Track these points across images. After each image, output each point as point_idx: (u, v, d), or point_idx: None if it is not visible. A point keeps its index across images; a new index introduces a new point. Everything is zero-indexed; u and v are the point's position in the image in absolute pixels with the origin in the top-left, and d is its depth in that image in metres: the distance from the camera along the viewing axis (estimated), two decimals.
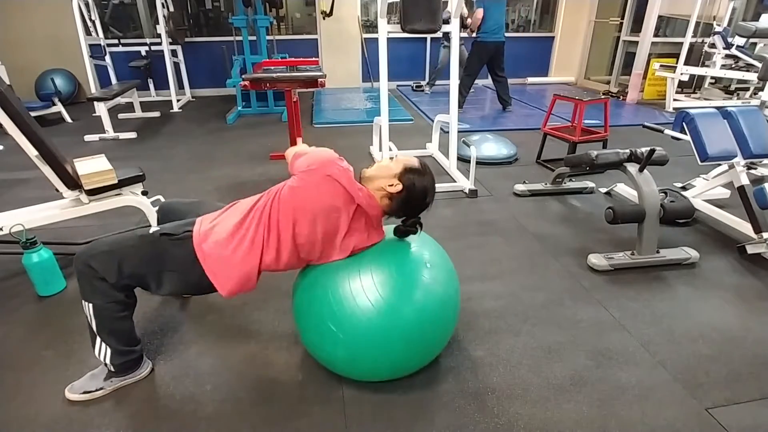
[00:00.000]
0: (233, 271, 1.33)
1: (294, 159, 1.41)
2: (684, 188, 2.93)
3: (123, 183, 2.19)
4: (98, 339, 1.39)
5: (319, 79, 3.18)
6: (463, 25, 5.23)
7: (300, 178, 1.33)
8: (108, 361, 1.41)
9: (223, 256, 1.32)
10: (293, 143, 3.26)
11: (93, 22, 5.33)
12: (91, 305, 1.34)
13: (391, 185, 1.36)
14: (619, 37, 6.76)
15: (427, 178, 1.41)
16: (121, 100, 5.44)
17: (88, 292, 1.33)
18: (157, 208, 1.81)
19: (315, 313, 1.37)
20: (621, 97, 6.28)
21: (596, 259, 2.15)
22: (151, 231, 1.38)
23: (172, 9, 5.75)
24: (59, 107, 5.18)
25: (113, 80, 5.71)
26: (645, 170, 2.22)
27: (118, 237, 1.39)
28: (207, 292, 1.40)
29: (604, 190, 3.10)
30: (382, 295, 1.30)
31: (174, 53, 5.96)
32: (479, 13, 4.98)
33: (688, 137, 2.47)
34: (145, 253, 1.34)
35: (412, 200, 1.40)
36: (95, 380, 1.46)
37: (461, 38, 3.53)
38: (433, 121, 3.93)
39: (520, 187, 3.06)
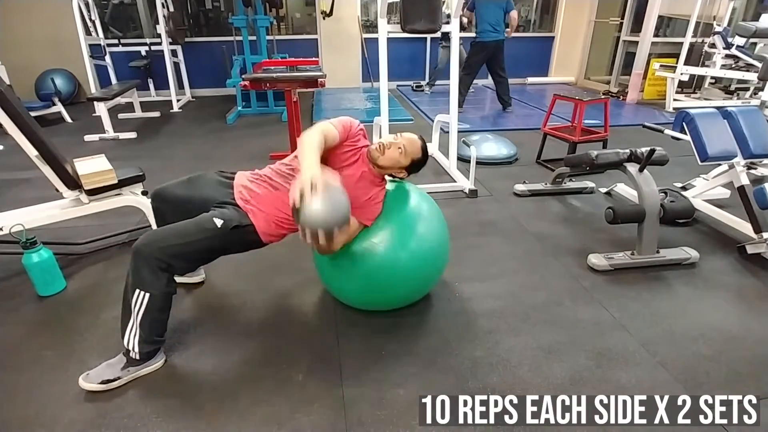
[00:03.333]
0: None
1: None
2: (684, 188, 2.93)
3: (123, 183, 2.19)
4: (134, 326, 1.43)
5: (319, 79, 3.18)
6: (463, 26, 5.29)
7: None
8: (136, 348, 1.45)
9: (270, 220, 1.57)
10: (293, 143, 3.26)
11: (93, 22, 5.32)
12: (147, 295, 1.40)
13: (399, 173, 1.68)
14: (619, 37, 6.76)
15: (424, 157, 1.71)
16: (121, 100, 5.43)
17: (149, 282, 1.39)
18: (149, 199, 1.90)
19: (335, 257, 1.64)
20: (621, 97, 6.28)
21: (596, 259, 2.15)
22: (219, 225, 1.48)
23: (172, 9, 5.74)
24: (59, 107, 5.18)
25: (113, 80, 5.71)
26: (645, 170, 2.22)
27: (179, 229, 1.47)
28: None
29: (604, 190, 3.10)
30: (388, 241, 1.61)
31: (174, 53, 5.96)
32: (470, 17, 5.20)
33: (688, 137, 2.47)
34: (216, 244, 1.50)
35: (409, 174, 1.73)
36: (112, 369, 1.47)
37: (460, 38, 3.53)
38: (433, 121, 3.93)
39: (520, 187, 3.06)
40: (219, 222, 1.48)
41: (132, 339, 1.45)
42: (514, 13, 5.11)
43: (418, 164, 1.70)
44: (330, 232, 1.31)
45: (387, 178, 1.73)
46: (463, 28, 5.21)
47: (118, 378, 1.46)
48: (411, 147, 1.65)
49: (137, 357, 1.47)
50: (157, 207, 1.73)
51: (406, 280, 1.69)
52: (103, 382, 1.44)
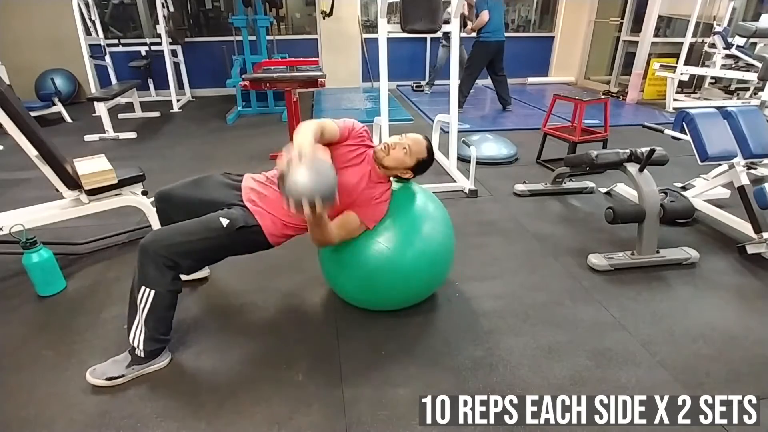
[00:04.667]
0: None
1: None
2: (684, 188, 2.93)
3: (123, 183, 2.18)
4: (140, 323, 1.44)
5: (319, 79, 3.18)
6: (464, 25, 5.27)
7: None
8: (141, 346, 1.46)
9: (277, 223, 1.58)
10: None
11: (93, 22, 5.32)
12: (153, 292, 1.41)
13: (405, 173, 1.67)
14: (619, 37, 6.76)
15: (430, 157, 1.70)
16: (121, 100, 5.43)
17: (154, 280, 1.40)
18: (152, 199, 1.91)
19: (339, 256, 1.67)
20: (621, 97, 6.28)
21: (596, 259, 2.15)
22: (225, 225, 1.48)
23: (172, 9, 5.75)
24: (59, 107, 5.18)
25: (113, 80, 5.71)
26: (645, 170, 2.22)
27: (186, 228, 1.48)
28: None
29: (604, 190, 3.10)
30: (391, 241, 1.61)
31: (174, 53, 5.96)
32: (485, 15, 4.99)
33: (688, 137, 2.47)
34: (221, 244, 1.50)
35: (416, 175, 1.72)
36: (117, 366, 1.49)
37: (461, 38, 3.54)
38: (433, 121, 3.93)
39: (520, 187, 3.06)
40: (225, 221, 1.49)
41: (137, 336, 1.46)
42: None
43: (424, 164, 1.69)
44: (313, 203, 1.26)
45: (393, 180, 1.73)
46: (472, 29, 5.16)
47: (123, 375, 1.48)
48: (416, 147, 1.65)
49: (142, 355, 1.48)
50: (162, 208, 1.72)
51: (410, 281, 1.69)
52: (107, 379, 1.46)
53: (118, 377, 1.47)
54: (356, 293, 1.78)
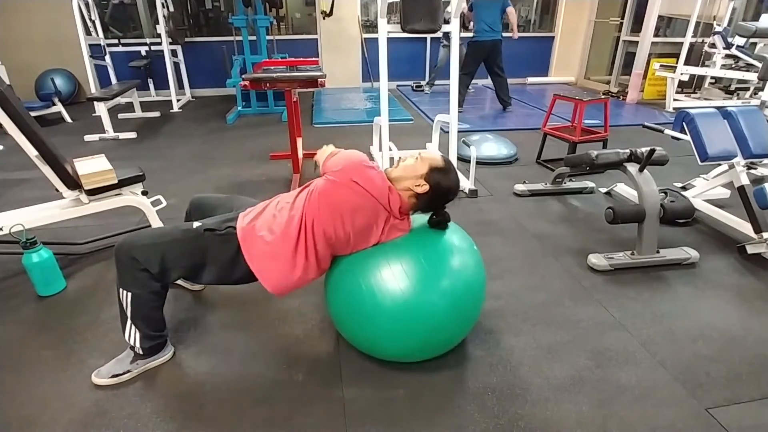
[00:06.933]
0: (276, 270, 1.41)
1: (326, 160, 1.50)
2: (684, 188, 2.93)
3: (123, 183, 2.18)
4: (130, 324, 1.45)
5: (319, 79, 3.17)
6: (464, 24, 5.32)
7: (327, 180, 1.40)
8: (138, 344, 1.48)
9: (266, 253, 1.39)
10: (293, 143, 3.26)
11: (93, 22, 5.32)
12: (129, 294, 1.40)
13: (418, 185, 1.42)
14: (619, 37, 6.76)
15: (451, 175, 1.47)
16: (121, 100, 5.43)
17: (128, 281, 1.39)
18: (164, 205, 1.97)
19: (346, 299, 1.46)
20: (621, 97, 6.28)
21: (596, 259, 2.15)
22: (194, 226, 1.44)
23: (172, 9, 5.75)
24: (59, 107, 5.18)
25: (113, 80, 5.71)
26: (645, 170, 2.22)
27: (160, 230, 1.47)
28: (246, 282, 1.48)
29: (604, 190, 3.10)
30: (410, 282, 1.35)
31: (174, 53, 5.96)
32: (470, 16, 5.24)
33: (688, 137, 2.47)
34: (188, 247, 1.41)
35: (438, 198, 1.47)
36: (121, 364, 1.50)
37: (461, 38, 3.55)
38: (433, 121, 3.93)
39: (520, 187, 3.06)
40: (196, 224, 1.45)
41: (132, 336, 1.47)
42: (510, 10, 5.11)
43: (440, 176, 1.43)
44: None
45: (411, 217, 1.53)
46: (465, 28, 5.27)
47: (128, 371, 1.50)
48: (428, 155, 1.47)
49: (141, 353, 1.50)
50: (189, 211, 1.76)
51: (432, 328, 1.41)
52: (113, 377, 1.48)
53: (124, 373, 1.49)
54: (368, 343, 1.53)
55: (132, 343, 1.48)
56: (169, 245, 1.40)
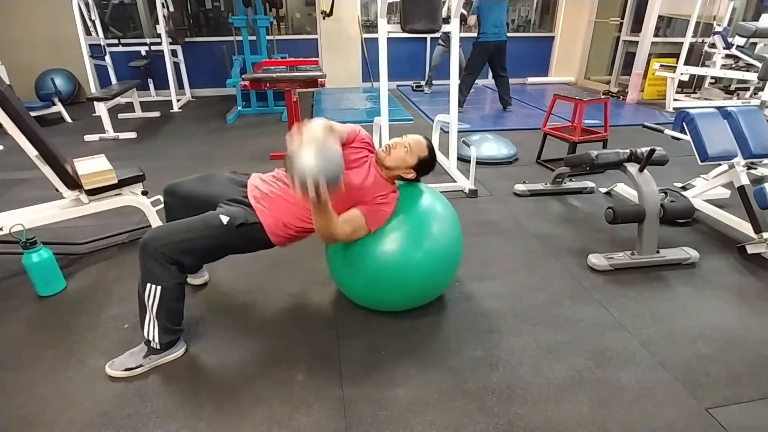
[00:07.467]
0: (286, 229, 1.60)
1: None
2: (684, 188, 2.93)
3: (123, 183, 2.19)
4: (151, 318, 1.47)
5: (319, 79, 3.18)
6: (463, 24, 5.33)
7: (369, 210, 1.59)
8: (156, 339, 1.50)
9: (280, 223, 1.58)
10: None
11: (93, 22, 5.32)
12: (159, 288, 1.43)
13: (408, 173, 1.69)
14: (619, 37, 6.76)
15: (432, 156, 1.72)
16: (121, 100, 5.43)
17: (158, 275, 1.43)
18: (156, 198, 1.96)
19: (347, 254, 1.68)
20: (621, 97, 6.28)
21: (596, 259, 2.15)
22: (225, 222, 1.49)
23: (172, 9, 5.74)
24: (59, 107, 5.18)
25: (113, 80, 5.71)
26: (645, 170, 2.22)
27: (188, 225, 1.49)
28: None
29: (604, 190, 3.10)
30: (399, 242, 1.62)
31: (174, 53, 5.96)
32: (472, 20, 5.19)
33: (688, 137, 2.47)
34: (222, 242, 1.52)
35: (419, 174, 1.74)
36: (135, 357, 1.52)
37: (461, 38, 3.55)
38: (433, 121, 3.93)
39: (520, 187, 3.06)
40: (225, 219, 1.50)
41: (151, 330, 1.49)
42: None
43: (426, 164, 1.71)
44: (317, 184, 1.26)
45: (398, 183, 1.73)
46: (468, 27, 5.28)
47: (140, 366, 1.52)
48: (416, 146, 1.67)
49: (158, 347, 1.52)
50: (168, 202, 1.76)
51: (417, 282, 1.68)
52: (125, 370, 1.50)
53: (136, 367, 1.51)
54: (362, 293, 1.78)
55: (150, 337, 1.50)
56: (201, 241, 1.47)
